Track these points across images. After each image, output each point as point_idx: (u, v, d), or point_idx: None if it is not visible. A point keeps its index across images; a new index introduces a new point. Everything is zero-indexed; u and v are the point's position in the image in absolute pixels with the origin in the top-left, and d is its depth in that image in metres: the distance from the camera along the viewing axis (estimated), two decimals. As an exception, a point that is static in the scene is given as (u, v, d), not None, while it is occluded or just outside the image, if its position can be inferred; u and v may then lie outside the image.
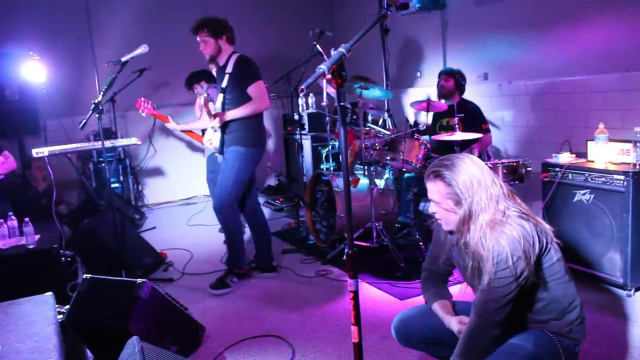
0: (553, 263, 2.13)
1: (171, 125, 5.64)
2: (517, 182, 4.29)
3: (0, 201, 5.05)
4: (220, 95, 4.32)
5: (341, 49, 1.79)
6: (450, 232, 2.31)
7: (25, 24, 6.59)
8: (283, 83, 5.93)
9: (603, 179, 3.72)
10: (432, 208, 2.25)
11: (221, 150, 4.39)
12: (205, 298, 4.20)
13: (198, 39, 4.21)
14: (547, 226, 2.15)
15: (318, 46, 5.25)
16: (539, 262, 2.09)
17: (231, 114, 4.22)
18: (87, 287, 3.10)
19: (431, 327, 2.43)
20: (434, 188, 2.18)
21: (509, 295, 2.04)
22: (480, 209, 2.10)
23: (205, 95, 4.93)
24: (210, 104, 4.34)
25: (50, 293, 3.02)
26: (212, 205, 4.38)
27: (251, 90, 4.21)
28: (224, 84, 4.25)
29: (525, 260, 2.00)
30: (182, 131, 5.85)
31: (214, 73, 4.58)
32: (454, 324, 2.31)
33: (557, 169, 4.03)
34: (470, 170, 2.14)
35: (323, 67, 1.75)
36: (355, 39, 1.86)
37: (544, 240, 2.09)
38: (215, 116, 4.21)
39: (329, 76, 1.77)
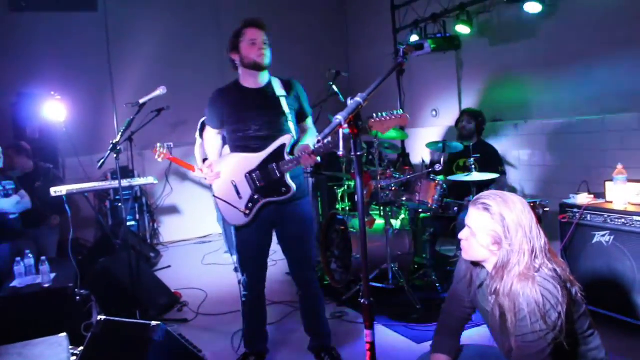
0: (577, 318, 2.08)
1: (197, 173, 5.69)
2: (534, 223, 4.25)
3: (18, 239, 5.10)
4: (310, 121, 3.51)
5: (357, 99, 1.80)
6: (474, 264, 2.26)
7: (48, 65, 6.76)
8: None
9: (623, 220, 3.67)
10: (464, 233, 2.18)
11: (273, 195, 3.30)
12: (219, 339, 4.16)
13: (262, 36, 3.23)
14: (576, 283, 2.11)
15: (334, 86, 5.31)
16: (570, 317, 2.03)
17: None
18: (101, 329, 3.07)
19: None
20: (477, 218, 2.11)
21: (542, 353, 1.98)
22: (517, 259, 2.04)
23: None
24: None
25: (64, 334, 3.02)
26: (301, 278, 3.57)
27: (310, 121, 3.53)
28: (286, 109, 3.30)
29: (545, 321, 1.95)
30: None
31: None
32: None
33: (575, 210, 3.98)
34: (520, 216, 2.07)
35: (340, 117, 1.76)
36: (371, 88, 1.87)
37: (571, 296, 2.05)
38: (312, 153, 3.10)
39: (345, 126, 1.77)
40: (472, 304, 2.40)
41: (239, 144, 3.35)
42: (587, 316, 2.13)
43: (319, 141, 1.76)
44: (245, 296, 3.58)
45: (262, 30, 3.22)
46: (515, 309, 2.00)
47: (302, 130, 3.46)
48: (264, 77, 3.33)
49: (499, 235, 2.06)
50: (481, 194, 2.18)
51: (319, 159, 3.16)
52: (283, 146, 3.24)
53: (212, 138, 3.56)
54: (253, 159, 3.29)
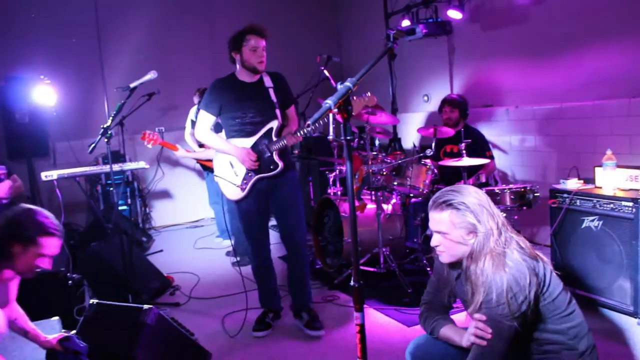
0: (553, 299, 2.11)
1: (180, 153, 5.73)
2: (524, 207, 4.29)
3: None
4: (293, 108, 3.98)
5: (347, 83, 1.80)
6: (451, 266, 2.29)
7: (37, 49, 6.70)
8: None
9: (611, 205, 3.70)
10: (435, 240, 2.20)
11: (265, 172, 3.78)
12: (211, 322, 4.19)
13: (262, 43, 3.69)
14: (544, 258, 2.15)
15: (326, 71, 5.30)
16: (537, 301, 2.08)
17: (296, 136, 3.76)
18: (93, 312, 3.09)
19: (450, 354, 2.41)
20: (444, 217, 2.13)
21: (502, 332, 2.03)
22: (490, 239, 2.08)
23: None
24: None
25: (56, 318, 3.03)
26: (291, 241, 3.96)
27: (293, 109, 3.99)
28: (274, 98, 3.80)
29: (509, 304, 2.00)
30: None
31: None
32: (468, 334, 2.19)
33: (565, 195, 4.01)
34: (478, 197, 2.13)
35: (329, 102, 1.76)
36: (361, 73, 1.87)
37: (541, 280, 2.09)
38: (295, 134, 3.72)
39: (335, 111, 1.77)
40: (454, 296, 2.46)
41: (236, 128, 3.80)
42: (566, 293, 2.17)
43: (308, 125, 1.78)
44: (252, 264, 4.06)
45: (264, 38, 3.69)
46: (484, 289, 2.05)
47: (288, 117, 3.93)
48: (257, 74, 3.79)
49: (472, 223, 2.10)
50: (433, 198, 2.20)
51: (301, 138, 3.78)
52: (271, 129, 3.77)
53: (207, 125, 3.86)
54: (247, 143, 3.78)
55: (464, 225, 2.11)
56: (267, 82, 3.83)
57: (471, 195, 2.13)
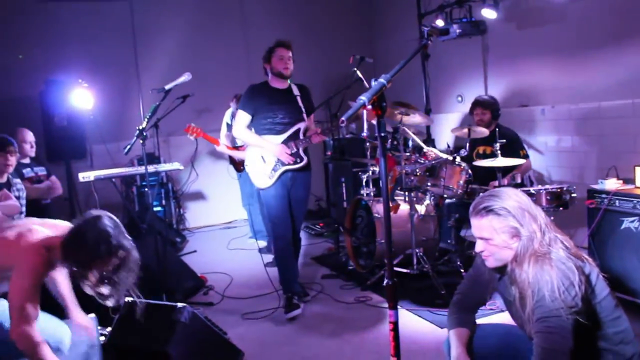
0: (600, 301, 2.07)
1: (221, 148, 5.80)
2: (561, 208, 4.20)
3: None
4: (312, 116, 4.63)
5: (381, 80, 1.79)
6: (495, 270, 2.26)
7: (75, 53, 6.84)
8: (323, 109, 5.99)
9: (652, 206, 3.61)
10: (479, 245, 2.19)
11: (291, 164, 4.37)
12: (244, 322, 4.21)
13: (289, 54, 4.38)
14: (589, 259, 2.10)
15: (358, 72, 5.28)
16: (587, 300, 2.03)
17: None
18: (128, 310, 3.14)
19: (486, 344, 2.38)
20: (485, 223, 2.12)
21: (565, 325, 1.97)
22: (533, 242, 2.06)
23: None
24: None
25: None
26: (291, 237, 4.48)
27: (312, 118, 4.63)
28: (301, 105, 4.46)
29: (563, 298, 1.96)
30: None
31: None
32: (456, 357, 2.28)
33: (604, 196, 3.92)
34: (519, 200, 2.11)
35: (363, 98, 1.75)
36: (395, 69, 1.86)
37: (589, 278, 2.04)
38: (320, 133, 4.48)
39: (369, 107, 1.77)
40: (491, 293, 2.44)
41: (268, 127, 4.39)
42: (612, 297, 2.12)
43: (342, 121, 1.78)
44: (276, 246, 4.51)
45: (289, 49, 4.38)
46: (533, 290, 2.01)
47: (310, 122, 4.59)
48: (286, 82, 4.48)
49: (514, 227, 2.08)
50: (473, 204, 2.20)
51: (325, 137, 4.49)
52: (299, 129, 4.41)
53: (244, 123, 4.43)
54: (277, 139, 4.38)
55: (506, 230, 2.09)
56: (295, 91, 4.50)
57: (511, 198, 2.12)
